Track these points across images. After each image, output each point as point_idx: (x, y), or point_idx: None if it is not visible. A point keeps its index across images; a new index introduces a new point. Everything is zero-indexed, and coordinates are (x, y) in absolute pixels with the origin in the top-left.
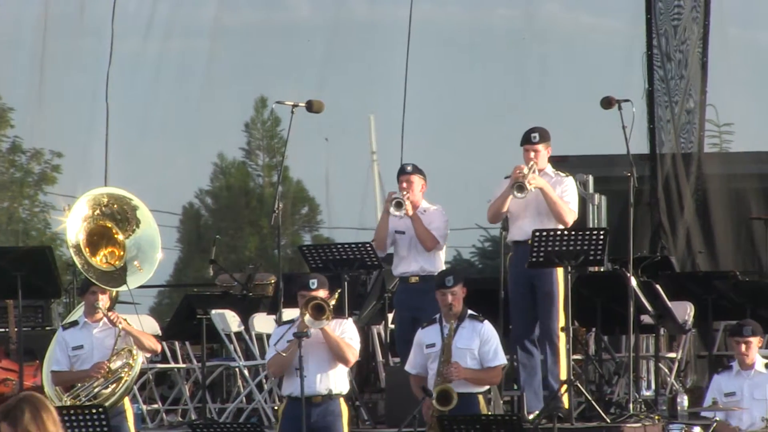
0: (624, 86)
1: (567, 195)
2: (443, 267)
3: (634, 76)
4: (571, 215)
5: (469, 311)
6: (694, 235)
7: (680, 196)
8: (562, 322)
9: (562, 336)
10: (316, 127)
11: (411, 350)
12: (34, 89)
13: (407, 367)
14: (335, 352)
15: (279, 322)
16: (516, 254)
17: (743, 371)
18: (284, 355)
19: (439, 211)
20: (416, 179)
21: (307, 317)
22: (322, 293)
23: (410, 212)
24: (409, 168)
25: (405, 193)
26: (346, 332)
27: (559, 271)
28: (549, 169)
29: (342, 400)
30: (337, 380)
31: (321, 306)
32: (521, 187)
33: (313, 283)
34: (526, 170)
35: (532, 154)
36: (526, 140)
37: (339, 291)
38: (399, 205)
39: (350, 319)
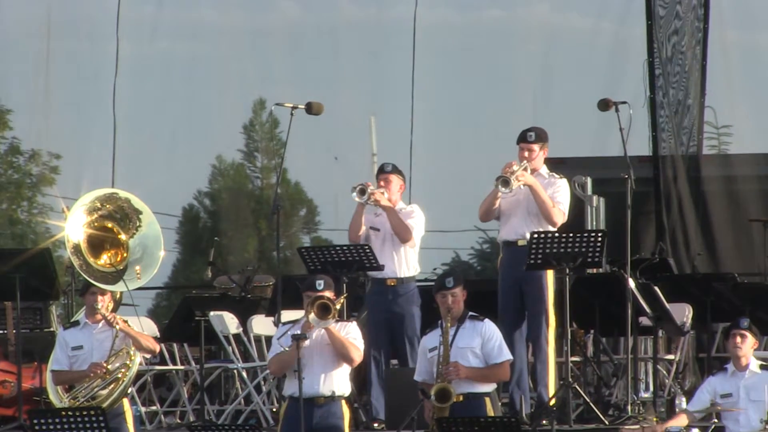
0: (622, 88)
1: (558, 196)
2: (417, 270)
3: (632, 78)
4: (559, 215)
5: (470, 312)
6: (692, 237)
7: (679, 198)
8: (552, 327)
9: (551, 341)
10: (316, 128)
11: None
12: (35, 91)
13: (415, 375)
14: (340, 352)
15: (281, 323)
16: (505, 255)
17: (738, 372)
18: (287, 349)
19: (416, 208)
20: (395, 179)
21: (312, 316)
22: (328, 294)
23: (382, 202)
24: (388, 167)
25: (382, 190)
26: (351, 333)
27: (549, 276)
28: (544, 170)
29: (344, 402)
30: (340, 382)
31: (327, 305)
32: (506, 182)
33: (320, 284)
34: (516, 167)
35: (527, 153)
36: (522, 138)
37: (345, 296)
38: (362, 192)
39: (354, 322)
